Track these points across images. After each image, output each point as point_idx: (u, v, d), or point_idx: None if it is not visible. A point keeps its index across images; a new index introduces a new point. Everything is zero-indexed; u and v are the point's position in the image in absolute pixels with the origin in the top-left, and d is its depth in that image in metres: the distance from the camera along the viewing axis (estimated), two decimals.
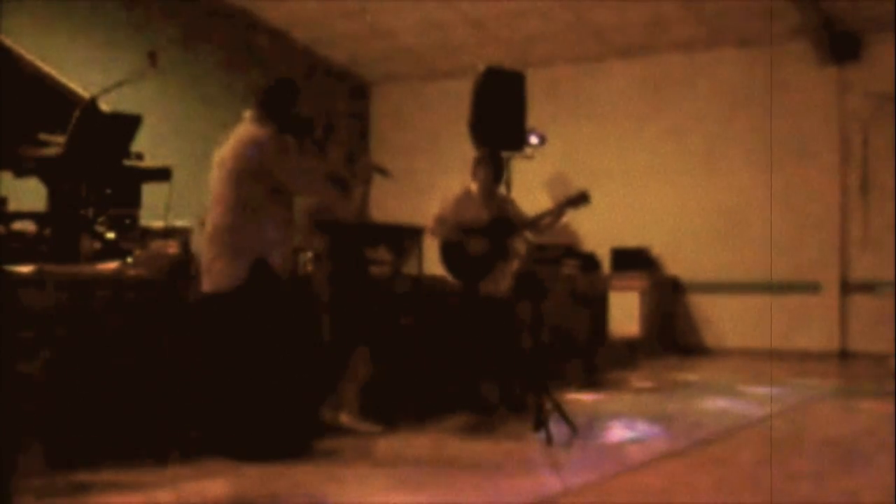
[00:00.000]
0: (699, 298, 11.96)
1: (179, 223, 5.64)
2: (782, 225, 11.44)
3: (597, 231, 11.53)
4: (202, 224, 5.81)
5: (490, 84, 6.06)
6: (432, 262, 6.31)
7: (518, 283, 6.13)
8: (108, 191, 5.85)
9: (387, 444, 5.09)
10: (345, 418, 5.35)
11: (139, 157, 6.14)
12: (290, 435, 4.59)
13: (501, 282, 6.15)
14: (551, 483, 4.29)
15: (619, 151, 12.30)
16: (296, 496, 3.97)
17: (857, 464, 4.85)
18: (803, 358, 10.69)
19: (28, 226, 5.68)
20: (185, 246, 5.32)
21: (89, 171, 5.63)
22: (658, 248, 11.97)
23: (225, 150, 4.65)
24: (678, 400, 7.20)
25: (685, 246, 11.90)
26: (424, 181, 11.74)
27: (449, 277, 6.19)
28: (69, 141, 5.45)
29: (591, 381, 8.03)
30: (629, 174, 12.15)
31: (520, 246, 6.28)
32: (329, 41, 12.60)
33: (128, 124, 5.76)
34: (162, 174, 6.17)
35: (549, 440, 5.05)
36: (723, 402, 7.06)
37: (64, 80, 5.91)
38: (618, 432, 5.65)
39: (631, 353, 10.28)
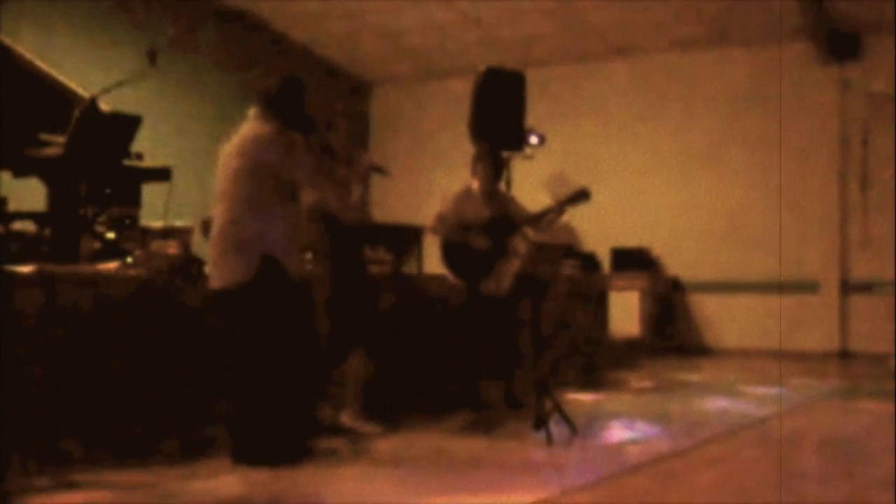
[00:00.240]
0: (699, 298, 11.97)
1: (179, 223, 5.63)
2: (783, 225, 11.45)
3: (597, 231, 11.54)
4: (203, 224, 5.81)
5: (490, 84, 6.08)
6: (432, 262, 6.31)
7: (518, 282, 6.12)
8: (108, 191, 5.85)
9: (387, 444, 5.08)
10: (345, 418, 5.35)
11: (139, 157, 6.13)
12: (293, 439, 4.59)
13: (502, 281, 6.15)
14: (551, 483, 4.28)
15: (620, 151, 12.31)
16: (296, 496, 3.97)
17: (858, 464, 4.85)
18: (803, 358, 10.69)
19: (28, 226, 5.68)
20: (185, 246, 5.32)
21: (89, 171, 5.63)
22: (658, 248, 11.97)
23: (230, 148, 4.65)
24: (678, 400, 7.19)
25: (685, 246, 11.90)
26: (424, 181, 11.75)
27: (450, 276, 6.18)
28: (69, 141, 5.45)
29: (591, 381, 8.02)
30: (629, 174, 12.16)
31: (520, 245, 6.28)
32: (329, 41, 12.60)
33: (128, 124, 5.76)
34: (162, 174, 6.17)
35: (549, 440, 5.05)
36: (723, 402, 7.06)
37: (64, 80, 5.91)
38: (618, 432, 5.65)
39: (631, 353, 10.28)
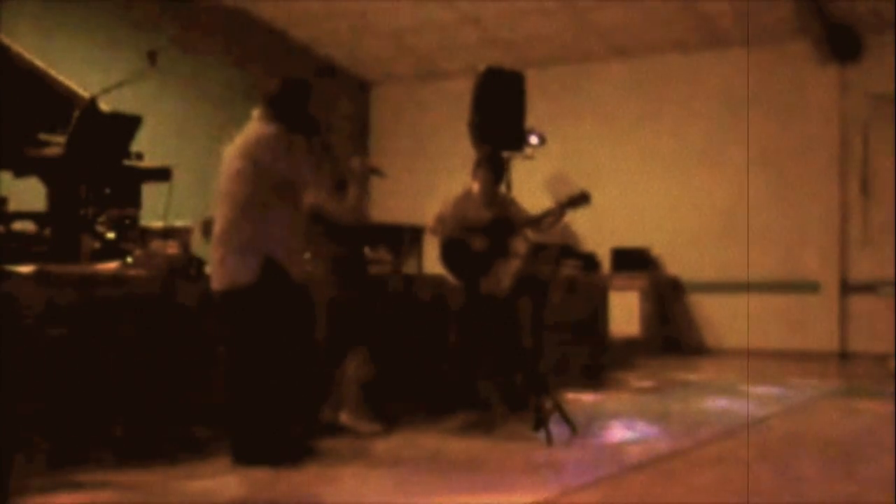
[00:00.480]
0: (699, 298, 11.97)
1: (179, 223, 5.63)
2: (782, 225, 11.45)
3: (597, 231, 11.53)
4: (203, 224, 5.81)
5: (490, 84, 6.07)
6: (432, 262, 6.31)
7: (518, 283, 6.12)
8: (108, 191, 5.85)
9: (387, 444, 5.09)
10: (345, 418, 5.35)
11: (139, 157, 6.13)
12: (293, 439, 4.59)
13: (502, 281, 6.15)
14: (551, 483, 4.29)
15: (619, 151, 12.31)
16: (296, 496, 3.97)
17: (858, 464, 4.85)
18: (803, 358, 10.69)
19: (28, 226, 5.68)
20: (185, 246, 5.32)
21: (89, 171, 5.63)
22: (658, 248, 11.97)
23: (232, 149, 4.65)
24: (678, 400, 7.20)
25: (685, 246, 11.90)
26: (424, 181, 11.75)
27: (449, 277, 6.18)
28: (69, 141, 5.45)
29: (591, 381, 8.03)
30: (629, 174, 12.16)
31: (520, 246, 6.28)
32: (329, 41, 12.60)
33: (128, 124, 5.76)
34: (162, 174, 6.17)
35: (549, 440, 5.05)
36: (723, 402, 7.06)
37: (64, 80, 5.90)
38: (618, 432, 5.65)
39: (631, 353, 10.28)
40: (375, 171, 5.44)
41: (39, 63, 5.90)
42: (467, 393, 6.08)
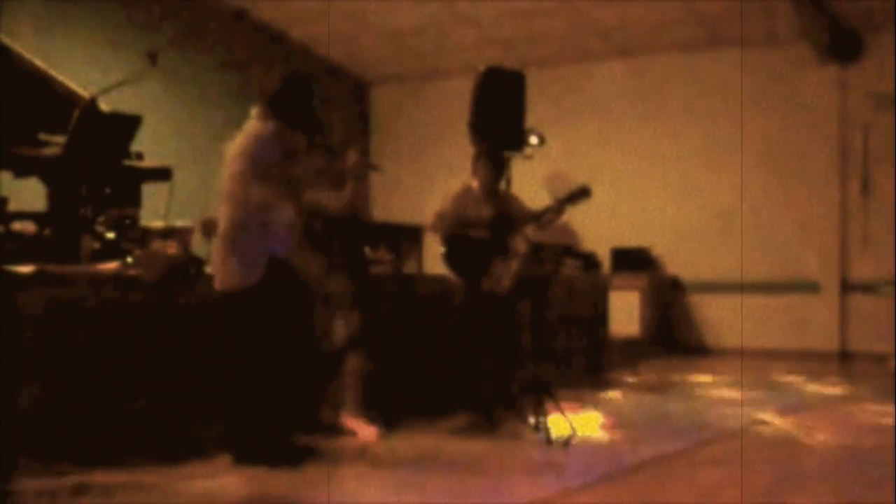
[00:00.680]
0: (699, 298, 11.97)
1: (179, 223, 5.63)
2: (782, 225, 11.46)
3: (597, 231, 11.53)
4: (203, 224, 5.80)
5: (490, 84, 6.06)
6: (432, 262, 6.31)
7: (518, 282, 6.12)
8: (108, 191, 5.84)
9: (387, 444, 5.09)
10: (345, 418, 5.34)
11: (139, 157, 6.13)
12: (293, 439, 4.59)
13: (502, 280, 6.14)
14: (551, 483, 4.28)
15: (619, 151, 12.31)
16: (296, 496, 3.97)
17: (858, 464, 4.85)
18: (803, 358, 10.69)
19: (28, 226, 5.67)
20: (185, 246, 5.32)
21: (89, 171, 5.63)
22: (658, 248, 11.97)
23: (232, 148, 4.65)
24: (678, 400, 7.20)
25: (685, 246, 11.90)
26: (424, 181, 11.75)
27: (450, 275, 6.18)
28: (69, 141, 5.45)
29: (592, 381, 8.02)
30: (629, 174, 12.16)
31: (520, 245, 6.28)
32: (329, 41, 12.59)
33: (128, 124, 5.76)
34: (162, 174, 6.17)
35: (548, 440, 5.05)
36: (722, 402, 7.06)
37: (64, 80, 5.90)
38: (617, 432, 5.65)
39: (631, 353, 10.28)
40: (371, 167, 5.44)
41: (39, 63, 5.90)
42: (467, 393, 6.08)
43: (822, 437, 5.64)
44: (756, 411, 6.51)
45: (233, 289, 4.53)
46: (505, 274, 6.15)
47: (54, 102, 5.77)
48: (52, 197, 5.49)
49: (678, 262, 11.98)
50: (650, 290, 11.52)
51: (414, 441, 5.22)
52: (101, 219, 5.73)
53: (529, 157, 6.58)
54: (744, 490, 4.17)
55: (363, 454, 4.85)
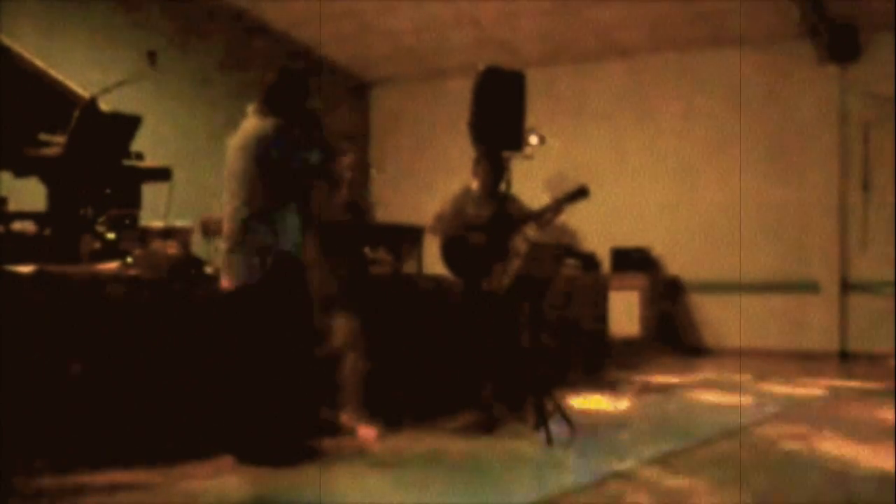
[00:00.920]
0: (699, 298, 11.97)
1: (179, 223, 5.63)
2: (782, 225, 11.45)
3: (597, 231, 11.54)
4: (203, 224, 5.81)
5: (490, 84, 6.07)
6: (432, 262, 6.31)
7: (518, 282, 6.12)
8: (108, 191, 5.85)
9: (387, 444, 5.09)
10: (345, 418, 5.34)
11: (139, 157, 6.14)
12: (294, 439, 4.59)
13: (502, 279, 6.14)
14: (551, 483, 4.29)
15: (619, 151, 12.31)
16: (296, 496, 3.97)
17: (857, 465, 4.85)
18: (803, 358, 10.69)
19: (28, 226, 5.67)
20: (185, 246, 5.32)
21: (89, 171, 5.63)
22: (658, 248, 11.97)
23: (234, 145, 4.65)
24: (677, 400, 7.20)
25: (685, 246, 11.90)
26: (424, 181, 11.75)
27: (449, 275, 6.18)
28: (69, 141, 5.45)
29: (592, 382, 8.02)
30: (629, 174, 12.16)
31: (520, 244, 6.28)
32: (329, 41, 12.60)
33: (128, 124, 5.76)
34: (162, 174, 6.17)
35: (549, 440, 5.05)
36: (722, 402, 7.06)
37: (64, 80, 5.90)
38: (617, 432, 5.65)
39: (631, 353, 10.28)
40: (369, 167, 5.44)
41: (39, 63, 5.90)
42: (467, 393, 6.08)
43: (821, 436, 5.64)
44: (755, 411, 6.51)
45: (238, 287, 4.54)
46: (504, 273, 6.15)
47: (54, 102, 5.77)
48: (52, 197, 5.50)
49: (678, 262, 11.98)
50: (650, 290, 11.52)
51: (414, 441, 5.22)
52: (101, 219, 5.73)
53: (529, 157, 6.59)
54: (743, 490, 4.17)
55: (363, 454, 4.85)
